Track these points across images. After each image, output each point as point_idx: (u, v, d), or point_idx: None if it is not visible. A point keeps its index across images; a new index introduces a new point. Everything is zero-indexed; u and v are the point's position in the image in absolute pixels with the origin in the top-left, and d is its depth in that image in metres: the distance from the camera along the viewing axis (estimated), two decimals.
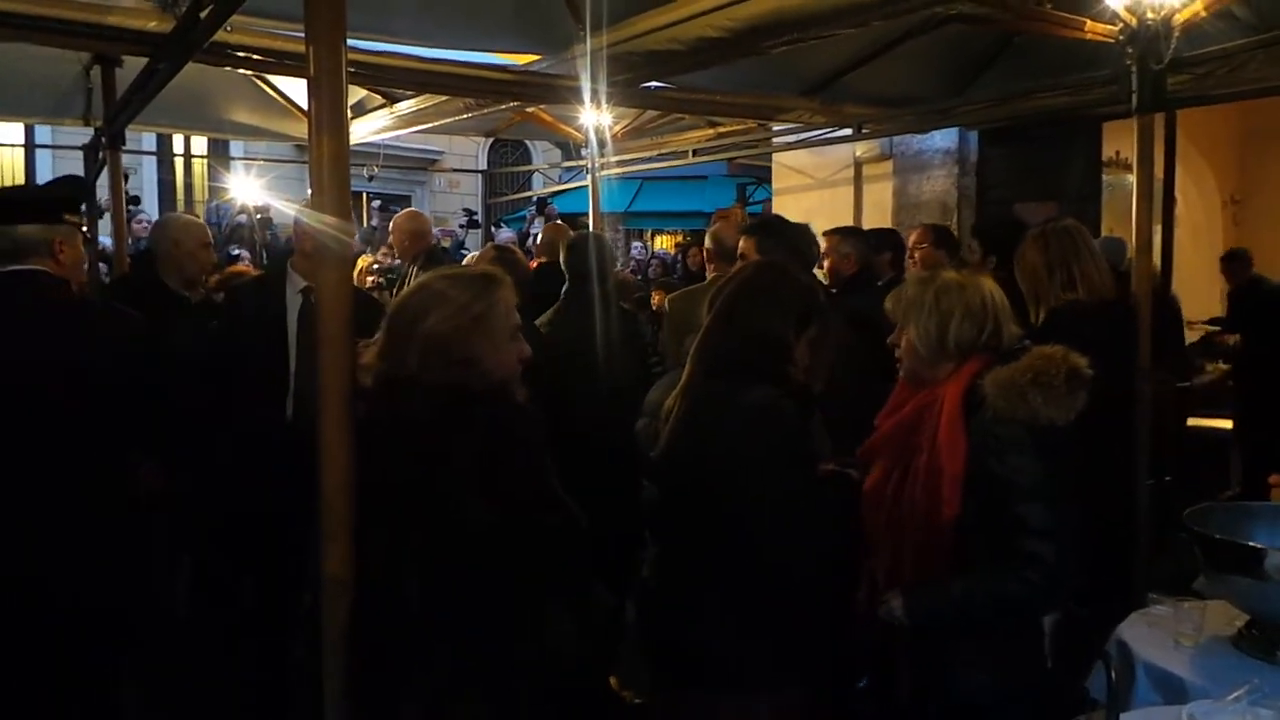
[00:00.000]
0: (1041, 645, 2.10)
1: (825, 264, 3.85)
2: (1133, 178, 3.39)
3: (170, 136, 11.69)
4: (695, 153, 6.62)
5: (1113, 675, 1.96)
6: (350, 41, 1.76)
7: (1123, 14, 3.16)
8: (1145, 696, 2.05)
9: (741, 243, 3.21)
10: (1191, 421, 5.58)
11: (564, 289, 3.60)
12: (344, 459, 1.74)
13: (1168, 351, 5.30)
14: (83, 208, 2.69)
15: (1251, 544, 2.04)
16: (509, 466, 1.72)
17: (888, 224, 6.53)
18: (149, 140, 10.68)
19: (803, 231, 3.32)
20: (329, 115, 1.70)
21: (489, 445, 1.71)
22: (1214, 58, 3.71)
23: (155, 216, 11.57)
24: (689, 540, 2.03)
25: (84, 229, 2.62)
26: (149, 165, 12.74)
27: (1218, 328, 6.76)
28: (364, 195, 12.71)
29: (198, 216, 8.19)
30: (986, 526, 1.88)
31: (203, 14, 2.72)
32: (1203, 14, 3.22)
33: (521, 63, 4.57)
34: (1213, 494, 5.50)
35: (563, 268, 3.63)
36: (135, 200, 8.36)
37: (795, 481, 1.93)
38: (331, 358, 1.74)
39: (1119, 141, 6.53)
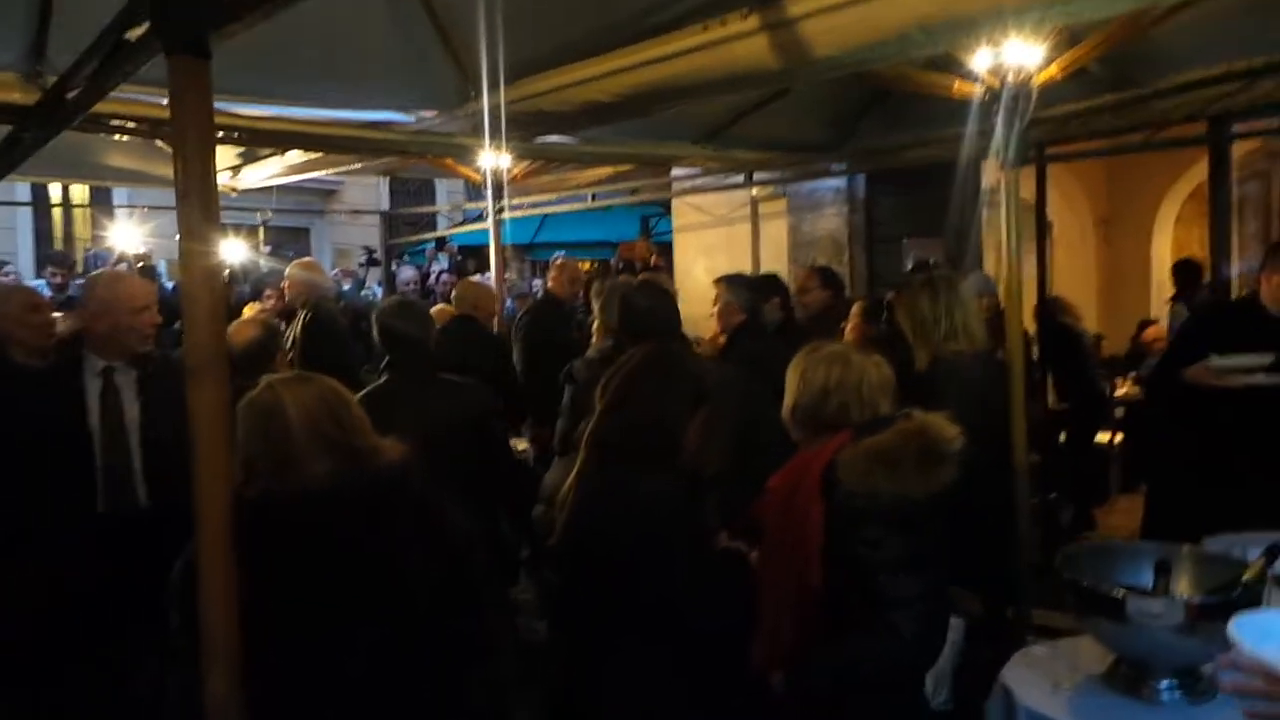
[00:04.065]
0: (922, 697, 2.17)
1: (713, 312, 3.93)
2: None
3: (46, 185, 11.13)
4: (595, 196, 6.70)
5: None
6: (227, 106, 1.72)
7: (985, 77, 3.35)
8: None
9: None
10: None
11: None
12: (226, 578, 1.68)
13: (1072, 379, 5.50)
14: None
15: (1113, 593, 2.16)
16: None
17: (784, 259, 6.75)
18: (23, 190, 10.18)
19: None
20: (198, 189, 1.69)
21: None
22: (1073, 116, 3.98)
23: (30, 269, 10.97)
24: (590, 625, 2.05)
25: None
26: (24, 214, 12.09)
27: None
28: (260, 229, 12.33)
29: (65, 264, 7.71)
30: (852, 596, 1.92)
31: (69, 96, 2.62)
32: (1058, 76, 3.44)
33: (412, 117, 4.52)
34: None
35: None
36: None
37: (691, 567, 1.97)
38: (208, 443, 1.67)
39: (998, 172, 6.87)
